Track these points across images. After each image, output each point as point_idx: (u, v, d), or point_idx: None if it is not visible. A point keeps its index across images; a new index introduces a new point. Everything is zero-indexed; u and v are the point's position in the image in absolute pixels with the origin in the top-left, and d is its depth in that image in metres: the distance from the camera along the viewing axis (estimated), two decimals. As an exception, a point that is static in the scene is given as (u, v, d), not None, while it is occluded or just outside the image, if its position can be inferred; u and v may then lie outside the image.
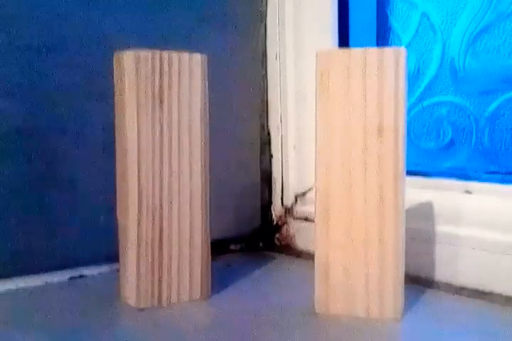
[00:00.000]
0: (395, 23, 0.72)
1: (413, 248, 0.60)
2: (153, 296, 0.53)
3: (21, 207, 0.59)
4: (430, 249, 0.59)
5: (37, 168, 0.60)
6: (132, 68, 0.50)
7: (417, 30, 0.70)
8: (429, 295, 0.57)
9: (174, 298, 0.54)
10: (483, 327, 0.49)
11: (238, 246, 0.75)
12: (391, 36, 0.73)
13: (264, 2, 0.76)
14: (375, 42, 0.74)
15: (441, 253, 0.59)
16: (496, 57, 0.63)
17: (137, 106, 0.51)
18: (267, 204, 0.78)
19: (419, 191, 0.63)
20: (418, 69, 0.70)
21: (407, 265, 0.55)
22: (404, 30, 0.71)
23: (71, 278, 0.62)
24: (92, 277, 0.63)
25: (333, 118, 0.49)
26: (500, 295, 0.54)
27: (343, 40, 0.72)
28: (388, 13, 0.73)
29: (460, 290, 0.57)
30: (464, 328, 0.48)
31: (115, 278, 0.55)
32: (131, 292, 0.53)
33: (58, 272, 0.61)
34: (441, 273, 0.59)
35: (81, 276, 0.62)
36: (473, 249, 0.56)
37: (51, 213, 0.61)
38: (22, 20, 0.59)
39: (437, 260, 0.59)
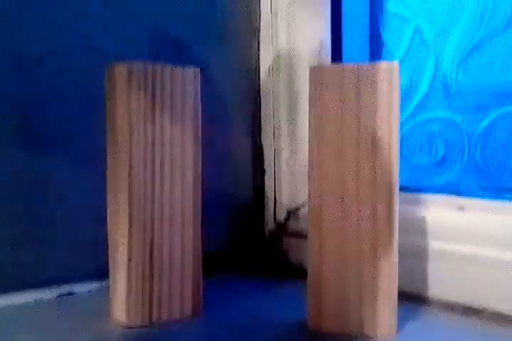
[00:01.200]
0: (388, 38, 0.72)
1: (405, 264, 0.60)
2: (143, 313, 0.52)
3: (9, 222, 0.59)
4: (422, 265, 0.59)
5: (26, 181, 0.60)
6: (124, 81, 0.50)
7: (409, 46, 0.70)
8: (422, 312, 0.57)
9: (165, 316, 0.53)
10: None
11: (230, 262, 0.74)
12: (384, 51, 0.73)
13: (257, 17, 0.76)
14: (367, 58, 0.74)
15: (434, 269, 0.58)
16: (488, 73, 0.63)
17: (129, 120, 0.50)
18: (259, 220, 0.78)
19: (411, 207, 0.63)
20: (410, 85, 0.70)
21: (399, 281, 0.55)
22: (397, 45, 0.71)
23: (60, 295, 0.61)
24: (81, 294, 0.62)
25: (326, 134, 0.49)
26: (493, 312, 0.54)
27: (336, 56, 0.73)
28: (381, 28, 0.73)
29: (453, 307, 0.56)
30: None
31: (105, 294, 0.55)
32: (121, 309, 0.52)
33: (47, 288, 0.60)
34: (434, 290, 0.58)
35: (70, 293, 0.61)
36: (466, 265, 0.56)
37: (40, 227, 0.60)
38: (14, 29, 0.59)
39: (430, 276, 0.59)
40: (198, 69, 0.54)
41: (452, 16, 0.66)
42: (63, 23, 0.61)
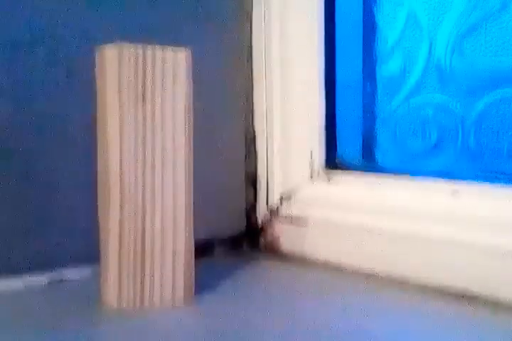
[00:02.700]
0: (382, 21, 0.72)
1: (399, 249, 0.60)
2: (134, 299, 0.52)
3: (-1, 208, 0.58)
4: (416, 249, 0.59)
5: (16, 168, 0.59)
6: (114, 62, 0.49)
7: (403, 29, 0.70)
8: (411, 297, 0.56)
9: (156, 301, 0.53)
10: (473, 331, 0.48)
11: (222, 248, 0.74)
12: (377, 34, 0.72)
13: (250, 0, 0.76)
14: (361, 42, 0.73)
15: (428, 254, 0.58)
16: (482, 56, 0.63)
17: (119, 103, 0.50)
18: (252, 206, 0.77)
19: (405, 192, 0.63)
20: (404, 69, 0.70)
21: (393, 267, 0.54)
22: (391, 28, 0.71)
23: (51, 281, 0.61)
24: (72, 279, 0.61)
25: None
26: (485, 299, 0.53)
27: (329, 38, 0.72)
28: (375, 11, 0.72)
29: (445, 293, 0.56)
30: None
31: (96, 280, 0.54)
32: (112, 294, 0.52)
33: (38, 274, 0.60)
34: (427, 275, 0.58)
35: (61, 278, 0.61)
36: (460, 249, 0.56)
37: (30, 214, 0.60)
38: (1, 16, 0.58)
39: (423, 261, 0.58)
40: (190, 50, 0.53)
41: (446, -1, 0.65)
42: (51, 9, 0.60)
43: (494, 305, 0.52)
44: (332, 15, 0.72)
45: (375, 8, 0.72)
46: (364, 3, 0.73)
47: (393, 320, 0.50)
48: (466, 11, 0.64)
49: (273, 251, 0.74)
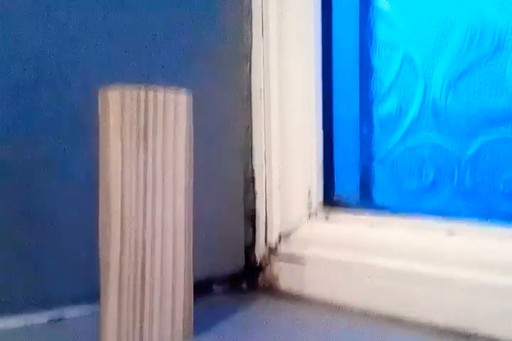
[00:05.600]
0: (377, 64, 0.73)
1: (396, 288, 0.60)
2: (134, 338, 0.52)
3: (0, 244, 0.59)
4: (411, 289, 0.59)
5: (18, 205, 0.59)
6: (117, 104, 0.50)
7: (398, 72, 0.71)
8: (415, 337, 0.56)
9: (155, 338, 0.52)
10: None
11: (221, 287, 0.74)
12: (373, 77, 0.73)
13: (249, 42, 0.77)
14: (358, 83, 0.75)
15: (423, 294, 0.58)
16: (477, 98, 0.64)
17: (121, 143, 0.50)
18: (250, 244, 0.77)
19: (401, 231, 0.63)
20: (400, 109, 0.71)
21: (393, 306, 0.54)
22: (386, 71, 0.72)
23: (51, 320, 0.60)
24: (72, 318, 0.61)
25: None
26: (483, 338, 0.53)
27: (327, 81, 0.73)
28: (371, 53, 0.74)
29: (443, 332, 0.56)
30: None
31: (96, 319, 0.54)
32: (111, 333, 0.51)
33: (37, 313, 0.60)
34: (423, 315, 0.58)
35: (61, 317, 0.61)
36: (456, 289, 0.56)
37: (31, 251, 0.60)
38: (6, 57, 0.59)
39: (419, 301, 0.58)
40: (191, 92, 0.54)
41: (441, 42, 0.67)
42: (55, 50, 0.62)
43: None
44: (330, 57, 0.73)
45: (371, 51, 0.74)
46: (361, 46, 0.75)
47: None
48: (461, 53, 0.65)
49: (272, 289, 0.74)
